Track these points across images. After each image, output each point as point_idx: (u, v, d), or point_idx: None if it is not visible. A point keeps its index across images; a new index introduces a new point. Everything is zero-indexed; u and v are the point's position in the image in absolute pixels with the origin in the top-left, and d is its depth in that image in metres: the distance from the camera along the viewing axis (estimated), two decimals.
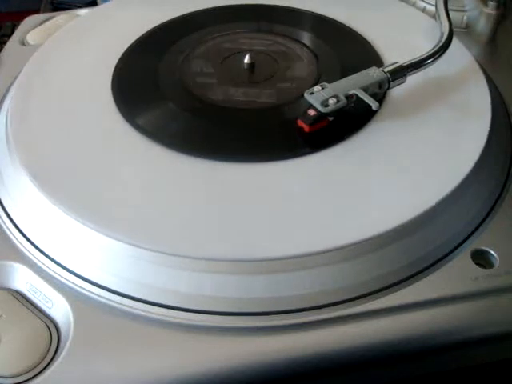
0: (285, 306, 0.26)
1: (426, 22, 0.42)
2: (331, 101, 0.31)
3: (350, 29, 0.41)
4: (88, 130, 0.33)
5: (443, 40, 0.36)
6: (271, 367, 0.25)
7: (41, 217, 0.29)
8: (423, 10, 0.45)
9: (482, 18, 0.43)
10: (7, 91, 0.38)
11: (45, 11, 0.58)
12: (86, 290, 0.27)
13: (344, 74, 0.34)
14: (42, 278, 0.28)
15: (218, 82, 0.36)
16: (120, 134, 0.33)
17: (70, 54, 0.39)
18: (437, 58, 0.35)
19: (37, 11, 0.54)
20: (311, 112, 0.32)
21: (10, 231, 0.30)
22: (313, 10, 0.43)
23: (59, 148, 0.32)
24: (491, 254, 0.28)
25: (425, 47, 0.35)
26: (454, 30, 0.37)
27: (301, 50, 0.39)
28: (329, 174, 0.30)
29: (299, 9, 0.43)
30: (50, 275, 0.28)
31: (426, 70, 0.35)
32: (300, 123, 0.32)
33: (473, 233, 0.29)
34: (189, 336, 0.26)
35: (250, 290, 0.26)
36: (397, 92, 0.35)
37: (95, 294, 0.27)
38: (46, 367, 0.25)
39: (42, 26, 0.47)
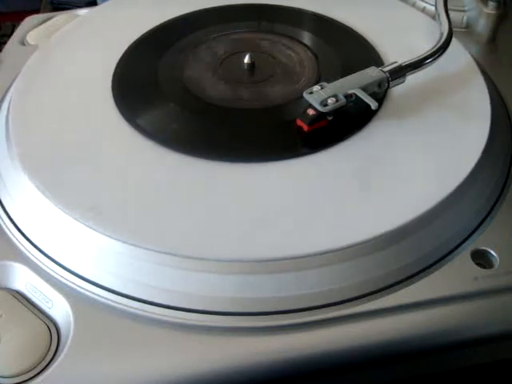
0: (285, 305, 0.26)
1: (425, 21, 0.42)
2: (330, 100, 0.31)
3: (350, 29, 0.41)
4: (88, 130, 0.33)
5: (442, 40, 0.36)
6: (271, 367, 0.25)
7: (41, 217, 0.29)
8: (423, 9, 0.45)
9: (482, 18, 0.43)
10: (7, 91, 0.38)
11: (45, 11, 0.59)
12: (86, 290, 0.27)
13: (344, 73, 0.34)
14: (42, 277, 0.28)
15: (218, 82, 0.36)
16: (120, 134, 0.33)
17: (70, 54, 0.39)
18: (436, 58, 0.35)
19: (37, 11, 0.54)
20: (310, 111, 0.32)
21: (10, 231, 0.30)
22: (313, 10, 0.43)
23: (59, 148, 0.32)
24: (491, 254, 0.28)
25: (424, 47, 0.35)
26: (454, 30, 0.37)
27: (301, 50, 0.39)
28: (328, 174, 0.30)
29: (299, 9, 0.43)
30: (50, 275, 0.28)
31: (426, 69, 0.35)
32: (299, 123, 0.32)
33: (473, 233, 0.29)
34: (189, 336, 0.26)
35: (250, 290, 0.26)
36: (397, 92, 0.35)
37: (95, 294, 0.27)
38: (46, 367, 0.25)
39: (42, 25, 0.47)
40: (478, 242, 0.29)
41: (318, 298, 0.26)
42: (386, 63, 0.35)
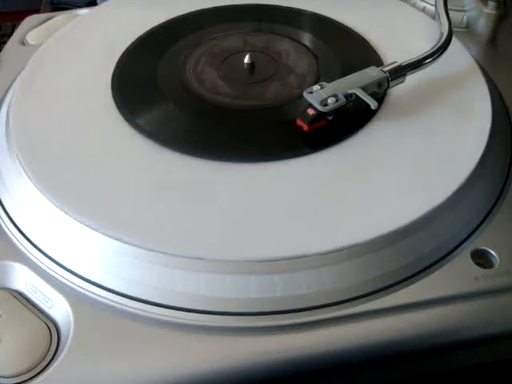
0: (284, 306, 0.26)
1: (425, 21, 0.42)
2: (330, 100, 0.31)
3: (350, 29, 0.41)
4: (88, 130, 0.33)
5: (442, 40, 0.36)
6: (271, 367, 0.25)
7: (41, 217, 0.29)
8: (423, 9, 0.45)
9: (482, 18, 0.43)
10: (7, 91, 0.38)
11: (45, 11, 0.58)
12: (86, 290, 0.27)
13: (344, 73, 0.34)
14: (42, 277, 0.28)
15: (218, 82, 0.36)
16: (120, 133, 0.33)
17: (70, 54, 0.39)
18: (436, 58, 0.35)
19: (37, 11, 0.54)
20: (310, 111, 0.32)
21: (10, 231, 0.30)
22: (313, 10, 0.43)
23: (59, 148, 0.32)
24: (491, 254, 0.28)
25: (424, 47, 0.35)
26: (454, 30, 0.37)
27: (301, 50, 0.39)
28: (329, 174, 0.30)
29: (299, 9, 0.43)
30: (50, 275, 0.28)
31: (427, 69, 0.35)
32: (299, 122, 0.32)
33: (473, 233, 0.29)
34: (189, 336, 0.26)
35: (249, 290, 0.26)
36: (397, 92, 0.35)
37: (95, 294, 0.27)
38: (46, 367, 0.25)
39: (42, 25, 0.47)
40: (478, 241, 0.29)
41: (317, 298, 0.26)
42: (386, 63, 0.35)
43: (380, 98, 0.34)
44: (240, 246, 0.27)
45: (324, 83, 0.33)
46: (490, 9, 0.43)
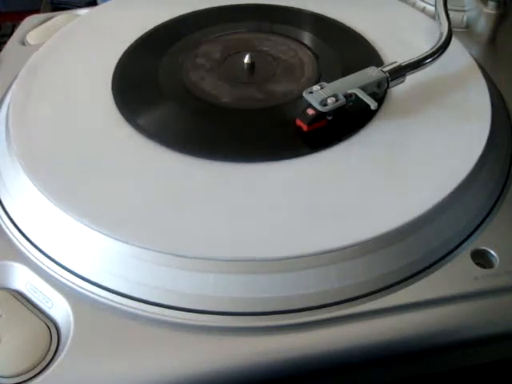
0: (285, 305, 0.26)
1: (425, 21, 0.42)
2: (330, 100, 0.31)
3: (350, 29, 0.41)
4: (88, 130, 0.33)
5: (442, 40, 0.36)
6: (271, 367, 0.25)
7: (41, 217, 0.29)
8: (423, 9, 0.45)
9: (482, 18, 0.43)
10: (7, 91, 0.38)
11: (45, 11, 0.58)
12: (86, 290, 0.27)
13: (344, 73, 0.34)
14: (42, 277, 0.28)
15: (218, 82, 0.36)
16: (120, 134, 0.33)
17: (70, 54, 0.40)
18: (436, 58, 0.35)
19: (37, 11, 0.54)
20: (310, 111, 0.32)
21: (10, 231, 0.30)
22: (313, 10, 0.43)
23: (59, 148, 0.32)
24: (491, 254, 0.28)
25: (424, 47, 0.35)
26: (454, 30, 0.37)
27: (301, 50, 0.39)
28: (328, 174, 0.30)
29: (299, 9, 0.43)
30: (50, 275, 0.28)
31: (427, 69, 0.35)
32: (298, 122, 0.32)
33: (473, 233, 0.29)
34: (189, 336, 0.26)
35: (250, 290, 0.26)
36: (397, 92, 0.35)
37: (95, 294, 0.27)
38: (46, 367, 0.25)
39: (42, 25, 0.47)
40: (478, 241, 0.29)
41: (317, 298, 0.26)
42: (386, 63, 0.35)
43: (380, 98, 0.34)
44: (239, 245, 0.27)
45: (324, 83, 0.33)
46: (490, 9, 0.43)
